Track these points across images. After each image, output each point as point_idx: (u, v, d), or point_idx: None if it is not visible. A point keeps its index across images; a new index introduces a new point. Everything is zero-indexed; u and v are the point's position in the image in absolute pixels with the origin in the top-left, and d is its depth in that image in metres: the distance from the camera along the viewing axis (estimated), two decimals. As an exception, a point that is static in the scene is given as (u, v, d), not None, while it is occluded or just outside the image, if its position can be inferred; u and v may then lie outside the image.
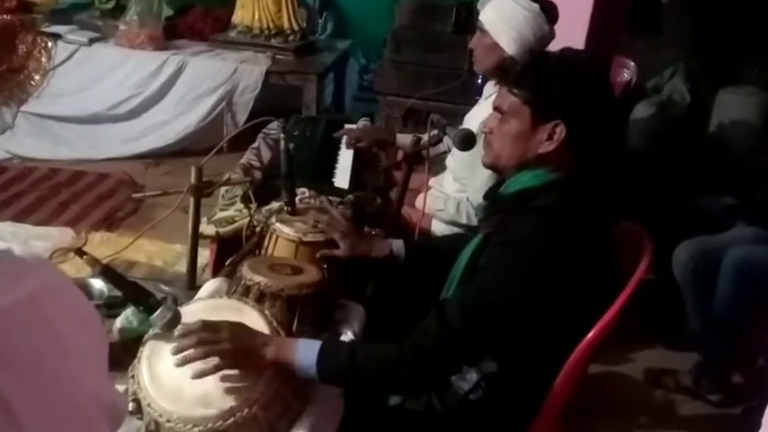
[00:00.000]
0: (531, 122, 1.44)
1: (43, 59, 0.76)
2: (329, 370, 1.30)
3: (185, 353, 1.23)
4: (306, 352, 1.29)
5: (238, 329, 1.28)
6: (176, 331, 1.27)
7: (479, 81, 2.90)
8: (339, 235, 1.66)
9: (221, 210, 2.02)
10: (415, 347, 1.33)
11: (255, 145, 2.52)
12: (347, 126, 2.62)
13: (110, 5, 4.36)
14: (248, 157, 2.43)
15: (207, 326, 1.27)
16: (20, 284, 0.60)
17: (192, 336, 1.25)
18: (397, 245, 1.73)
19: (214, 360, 1.22)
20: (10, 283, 0.60)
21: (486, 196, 1.59)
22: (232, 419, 1.18)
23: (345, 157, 2.41)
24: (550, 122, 1.42)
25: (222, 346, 1.24)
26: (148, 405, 1.21)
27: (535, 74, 1.45)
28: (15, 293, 0.59)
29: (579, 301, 1.42)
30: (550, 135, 1.42)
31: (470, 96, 3.04)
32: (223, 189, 2.03)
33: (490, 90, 2.25)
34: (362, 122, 2.78)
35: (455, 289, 1.54)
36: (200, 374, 1.21)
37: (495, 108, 1.51)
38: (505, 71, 1.53)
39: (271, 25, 4.14)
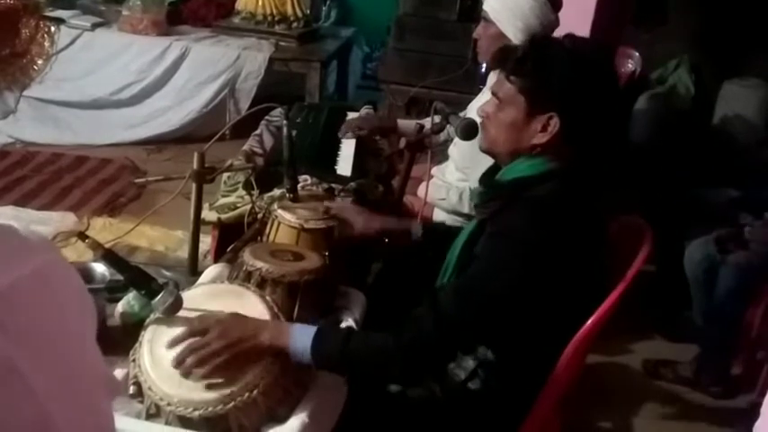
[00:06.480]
0: (525, 112, 1.42)
1: (46, 44, 0.76)
2: (322, 355, 1.30)
3: (184, 361, 1.24)
4: (300, 337, 1.29)
5: (228, 322, 1.28)
6: (166, 344, 1.26)
7: (483, 70, 2.89)
8: (355, 210, 1.73)
9: (223, 196, 2.02)
10: (409, 336, 1.33)
11: (258, 132, 2.52)
12: (350, 114, 2.61)
13: (113, -10, 4.35)
14: (251, 143, 2.43)
15: (194, 332, 1.27)
16: (26, 260, 0.61)
17: (184, 343, 1.25)
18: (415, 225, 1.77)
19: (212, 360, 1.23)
20: (16, 259, 0.61)
21: (482, 181, 1.58)
22: (232, 404, 1.19)
23: (348, 145, 2.41)
24: (545, 114, 1.40)
25: (213, 347, 1.23)
26: (149, 388, 1.22)
27: (533, 63, 1.42)
28: (22, 269, 0.60)
29: (574, 290, 1.41)
30: (544, 127, 1.41)
31: (474, 85, 3.03)
32: (225, 175, 2.03)
33: (494, 79, 2.24)
34: (365, 110, 2.77)
35: (450, 275, 1.54)
36: (201, 377, 1.22)
37: (493, 93, 1.50)
38: (505, 57, 1.50)
39: (274, 12, 4.12)
